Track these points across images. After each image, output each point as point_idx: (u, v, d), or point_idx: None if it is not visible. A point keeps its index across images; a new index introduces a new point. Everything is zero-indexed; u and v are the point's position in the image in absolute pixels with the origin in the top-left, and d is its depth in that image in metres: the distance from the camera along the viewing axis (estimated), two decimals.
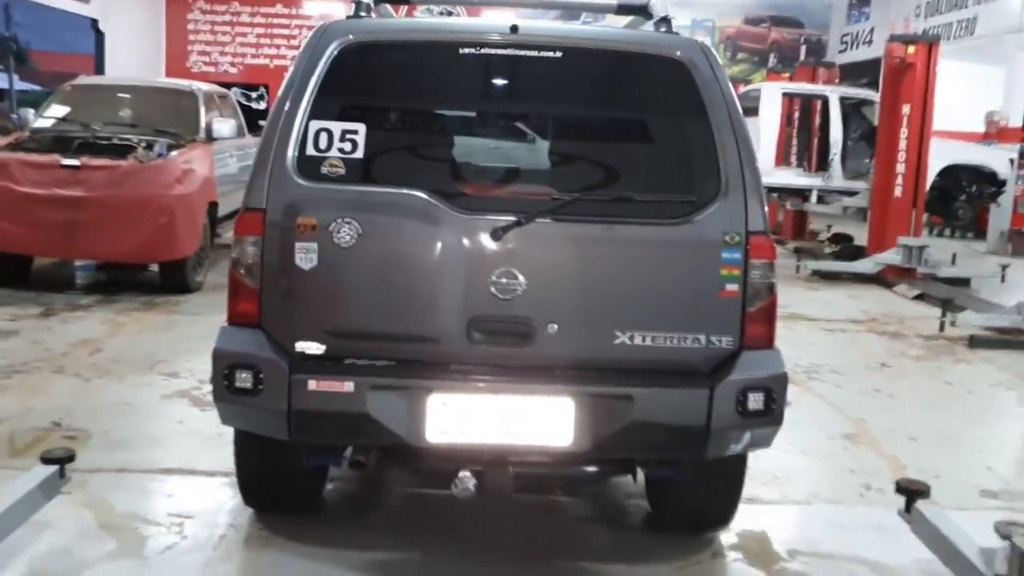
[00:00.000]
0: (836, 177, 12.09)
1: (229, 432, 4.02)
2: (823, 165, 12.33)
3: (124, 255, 7.62)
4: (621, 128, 3.19)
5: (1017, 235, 13.62)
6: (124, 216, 7.22)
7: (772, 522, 3.79)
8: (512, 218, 2.84)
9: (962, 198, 13.47)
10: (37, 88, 22.54)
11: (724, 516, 3.49)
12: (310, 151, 2.88)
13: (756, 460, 3.84)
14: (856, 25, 20.74)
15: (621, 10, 3.57)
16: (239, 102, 10.97)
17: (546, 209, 2.88)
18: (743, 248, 2.89)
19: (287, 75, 2.99)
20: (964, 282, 10.24)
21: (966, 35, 16.50)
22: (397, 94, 3.16)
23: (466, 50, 3.02)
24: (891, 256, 10.18)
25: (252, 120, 10.86)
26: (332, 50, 2.93)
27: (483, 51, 3.02)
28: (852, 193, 12.20)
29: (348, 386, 2.79)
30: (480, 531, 3.60)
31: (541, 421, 2.86)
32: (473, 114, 3.29)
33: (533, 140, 3.14)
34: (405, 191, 2.87)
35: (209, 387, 5.11)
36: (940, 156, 11.89)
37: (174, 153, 7.68)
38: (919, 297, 9.42)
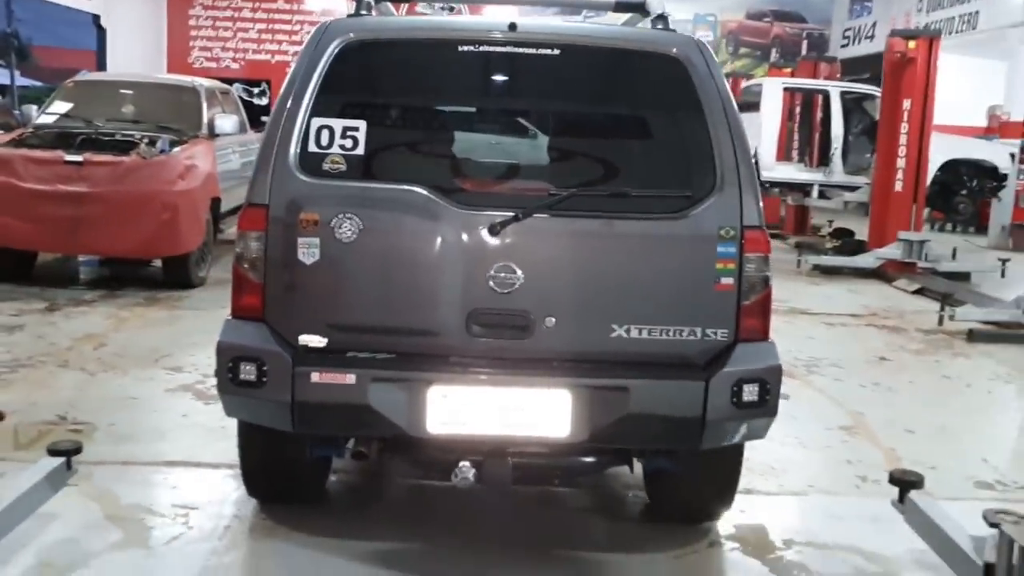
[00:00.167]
0: (837, 172, 12.13)
1: (232, 425, 4.08)
2: (824, 160, 12.36)
3: (127, 251, 7.68)
4: (618, 124, 3.24)
5: (1018, 230, 13.62)
6: (127, 212, 7.27)
7: (769, 512, 3.85)
8: (510, 213, 2.88)
9: (963, 193, 13.49)
10: (38, 84, 22.56)
11: (721, 506, 3.54)
12: (312, 148, 2.93)
13: (754, 452, 3.90)
14: (858, 20, 20.74)
15: (619, 7, 3.61)
16: (241, 98, 11.02)
17: (543, 204, 2.93)
18: (738, 242, 2.94)
19: (289, 73, 3.04)
20: (964, 276, 10.25)
21: (968, 29, 16.51)
22: (397, 91, 3.21)
23: (465, 48, 3.06)
24: (891, 251, 10.21)
25: (254, 116, 10.91)
26: (333, 48, 2.98)
27: (482, 49, 3.06)
28: (853, 188, 12.22)
29: (350, 378, 2.84)
30: (480, 522, 3.66)
31: (539, 413, 2.91)
32: (472, 111, 3.34)
33: (534, 136, 3.19)
34: (405, 187, 2.92)
35: (212, 381, 5.18)
36: (941, 151, 11.91)
37: (177, 149, 7.73)
38: (919, 291, 9.45)
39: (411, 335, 2.94)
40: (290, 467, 3.45)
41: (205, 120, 8.44)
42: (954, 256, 10.69)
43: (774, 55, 21.44)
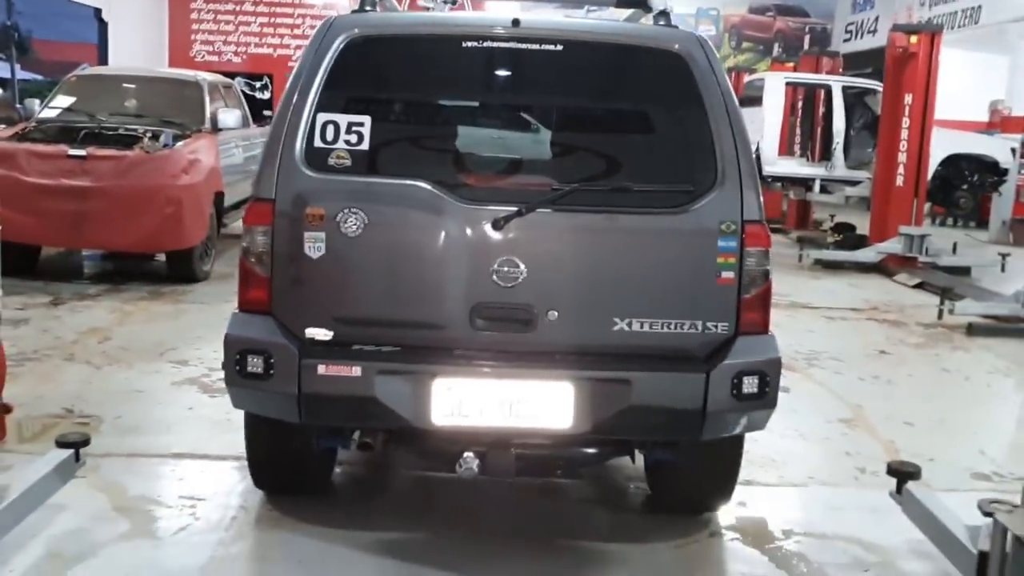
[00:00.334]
0: (839, 166, 12.15)
1: (238, 417, 4.12)
2: (826, 155, 12.38)
3: (131, 245, 7.71)
4: (620, 119, 3.27)
5: (1018, 224, 13.66)
6: (131, 206, 7.30)
7: (769, 504, 3.89)
8: (513, 208, 2.92)
9: (964, 187, 13.51)
10: (39, 77, 22.57)
11: (721, 497, 3.58)
12: (318, 143, 2.96)
13: (755, 444, 3.95)
14: (861, 14, 20.72)
15: (621, 3, 3.64)
16: (242, 92, 11.04)
17: (546, 199, 2.97)
18: (739, 236, 2.98)
19: (295, 68, 3.07)
20: (965, 271, 10.29)
21: (970, 24, 16.49)
22: (402, 87, 3.24)
23: (469, 43, 3.10)
24: (892, 245, 10.24)
25: (256, 110, 10.94)
26: (339, 44, 3.01)
27: (485, 44, 3.09)
28: (855, 182, 12.25)
29: (356, 371, 2.88)
30: (484, 513, 3.70)
31: (542, 404, 2.95)
32: (476, 106, 3.37)
33: (537, 131, 3.22)
34: (410, 182, 2.96)
35: (217, 374, 5.25)
36: (942, 145, 11.94)
37: (180, 143, 7.75)
38: (919, 286, 9.48)
39: (416, 328, 2.98)
40: (296, 459, 3.49)
41: (208, 114, 8.47)
42: (955, 251, 10.72)
43: (776, 50, 21.43)
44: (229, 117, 8.42)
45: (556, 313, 2.95)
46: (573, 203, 2.97)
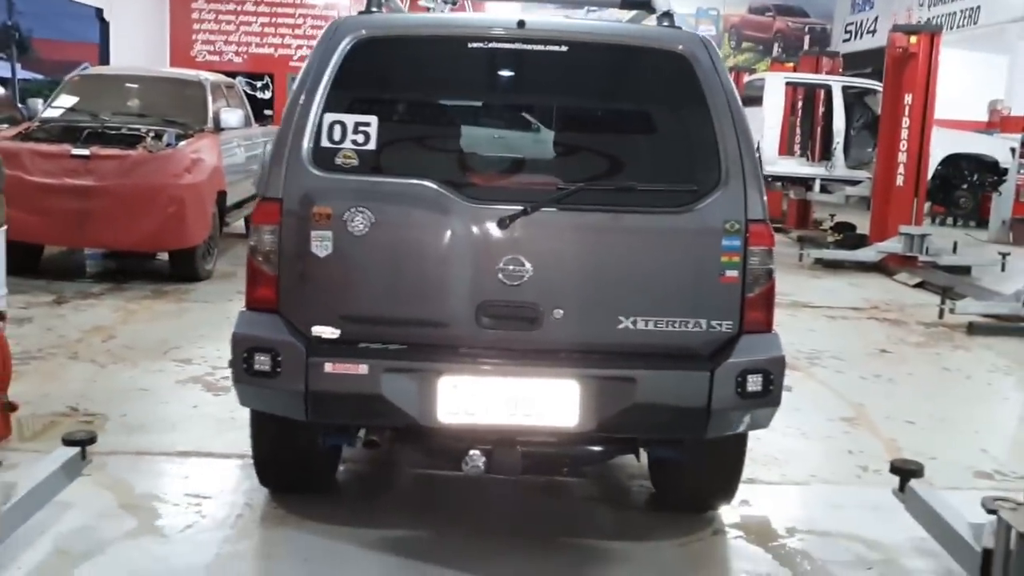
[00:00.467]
0: (839, 166, 12.17)
1: (243, 416, 4.13)
2: (826, 154, 12.40)
3: (134, 244, 7.74)
4: (624, 119, 3.29)
5: (1018, 224, 13.68)
6: (134, 205, 7.32)
7: (772, 502, 3.91)
8: (519, 207, 2.94)
9: (964, 187, 13.53)
10: (40, 77, 22.56)
11: (725, 495, 3.60)
12: (325, 143, 2.98)
13: (757, 442, 3.96)
14: (860, 14, 20.75)
15: (625, 4, 3.66)
16: (243, 91, 11.06)
17: (552, 198, 2.99)
18: (743, 236, 3.00)
19: (302, 68, 3.09)
20: (965, 270, 10.31)
21: (970, 24, 16.52)
22: (408, 87, 3.26)
23: (474, 44, 3.12)
24: (893, 244, 10.27)
25: (257, 109, 10.96)
26: (345, 45, 3.03)
27: (491, 45, 3.12)
28: (855, 182, 12.27)
29: (363, 368, 2.90)
30: (487, 510, 3.72)
31: (547, 402, 2.97)
32: (481, 106, 3.39)
33: (542, 131, 3.24)
34: (416, 181, 2.98)
35: (221, 373, 5.28)
36: (942, 145, 11.96)
37: (183, 143, 7.77)
38: (920, 285, 9.50)
39: (422, 326, 3.00)
40: (302, 457, 3.51)
41: (211, 114, 8.48)
42: (955, 250, 10.74)
43: (776, 50, 21.46)
44: (231, 117, 8.44)
45: (561, 311, 2.97)
46: (578, 202, 2.99)
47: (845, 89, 12.47)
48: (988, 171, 13.32)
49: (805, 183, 12.66)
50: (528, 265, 2.95)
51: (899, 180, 10.51)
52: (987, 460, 4.56)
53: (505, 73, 3.27)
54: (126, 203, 7.30)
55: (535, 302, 2.97)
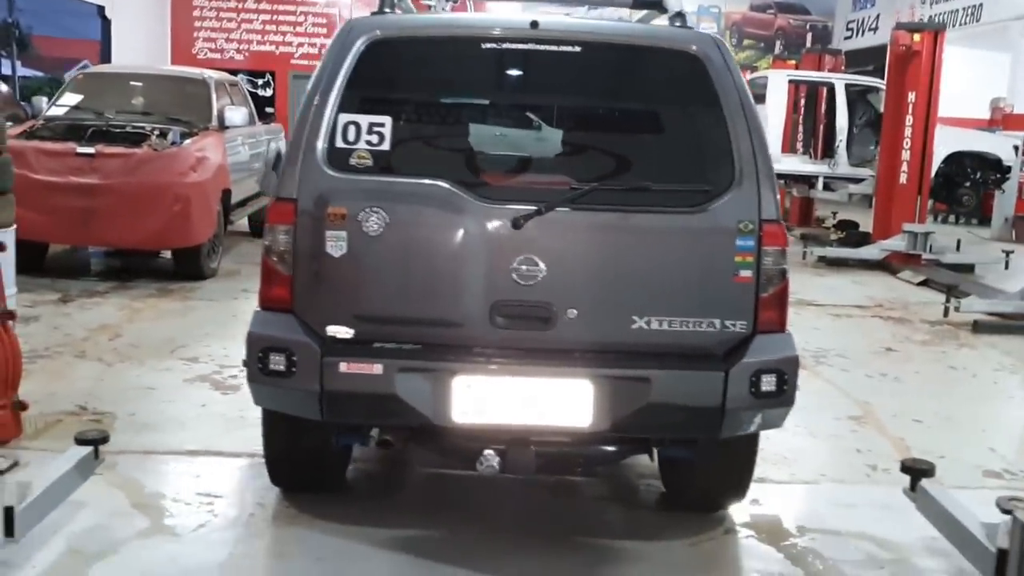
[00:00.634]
0: (842, 164, 12.18)
1: (251, 414, 4.13)
2: (828, 152, 12.41)
3: (139, 242, 7.74)
4: (638, 119, 3.29)
5: (1021, 221, 13.67)
6: (139, 204, 7.32)
7: (782, 501, 3.92)
8: (533, 207, 2.94)
9: (967, 185, 13.53)
10: (40, 74, 22.53)
11: (736, 494, 3.60)
12: (339, 143, 2.99)
13: (766, 441, 3.95)
14: (861, 12, 20.75)
15: (637, 4, 3.66)
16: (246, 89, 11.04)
17: (566, 198, 2.99)
18: (756, 236, 3.00)
19: (316, 69, 3.09)
20: (968, 268, 10.32)
21: (972, 22, 16.52)
22: (422, 88, 3.26)
23: (488, 45, 3.12)
24: (896, 242, 10.27)
25: (258, 107, 10.95)
26: (359, 45, 3.03)
27: (504, 46, 3.12)
28: (858, 180, 12.27)
29: (377, 368, 2.90)
30: (498, 510, 3.73)
31: (561, 402, 2.97)
32: (495, 106, 3.39)
33: (556, 131, 3.23)
34: (430, 181, 2.98)
35: (229, 371, 5.28)
36: (945, 143, 11.97)
37: (188, 141, 7.77)
38: (924, 283, 9.51)
39: (436, 326, 3.01)
40: (314, 456, 3.51)
41: (215, 112, 8.48)
42: (958, 248, 10.75)
43: (778, 47, 21.45)
44: (236, 115, 8.45)
45: (575, 311, 2.97)
46: (592, 202, 2.99)
47: (848, 87, 12.47)
48: (991, 169, 13.33)
49: (808, 181, 12.66)
50: (542, 265, 2.95)
51: (902, 178, 10.52)
52: (995, 459, 4.57)
53: (519, 73, 3.27)
54: (131, 201, 7.30)
55: (549, 302, 2.97)
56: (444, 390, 2.93)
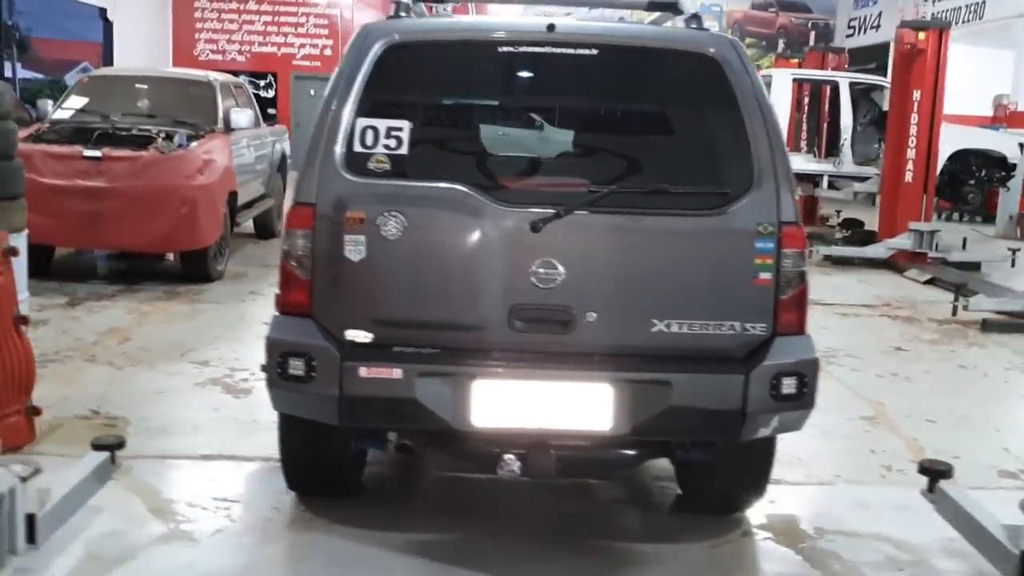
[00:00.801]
0: (847, 163, 12.17)
1: (264, 418, 4.13)
2: (832, 151, 12.40)
3: (147, 245, 7.74)
4: (656, 122, 3.28)
5: None
6: (146, 206, 7.32)
7: (797, 502, 3.92)
8: (551, 210, 2.93)
9: (971, 182, 13.53)
10: (40, 76, 22.54)
11: (754, 496, 3.60)
12: (357, 148, 2.98)
13: (780, 442, 3.90)
14: (863, 9, 20.74)
15: (651, 6, 3.65)
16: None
17: (585, 201, 2.98)
18: (776, 238, 2.99)
19: (333, 74, 3.09)
20: (975, 266, 10.30)
21: (975, 19, 16.51)
22: (439, 92, 3.26)
23: (505, 48, 3.12)
24: (902, 241, 10.25)
25: (260, 109, 10.94)
26: (377, 50, 3.03)
27: (521, 49, 3.11)
28: (863, 178, 12.27)
29: (397, 373, 2.90)
30: (514, 513, 3.71)
31: (581, 406, 2.97)
32: (512, 110, 3.38)
33: (573, 134, 3.22)
34: (448, 185, 2.97)
35: (240, 375, 5.27)
36: (950, 141, 11.96)
37: (194, 144, 7.77)
38: (930, 282, 9.50)
39: (455, 330, 3.00)
40: (331, 460, 3.51)
41: (221, 114, 8.48)
42: (964, 246, 10.74)
43: (780, 45, 21.44)
44: (241, 117, 8.45)
45: (594, 314, 2.97)
46: (611, 205, 2.99)
47: (852, 85, 12.46)
48: (996, 167, 13.31)
49: (813, 179, 12.66)
50: (561, 268, 2.95)
51: (908, 176, 10.51)
52: (1010, 459, 4.56)
53: (536, 77, 3.26)
54: (139, 204, 7.30)
55: (568, 305, 2.97)
56: (464, 394, 2.92)
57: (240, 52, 19.49)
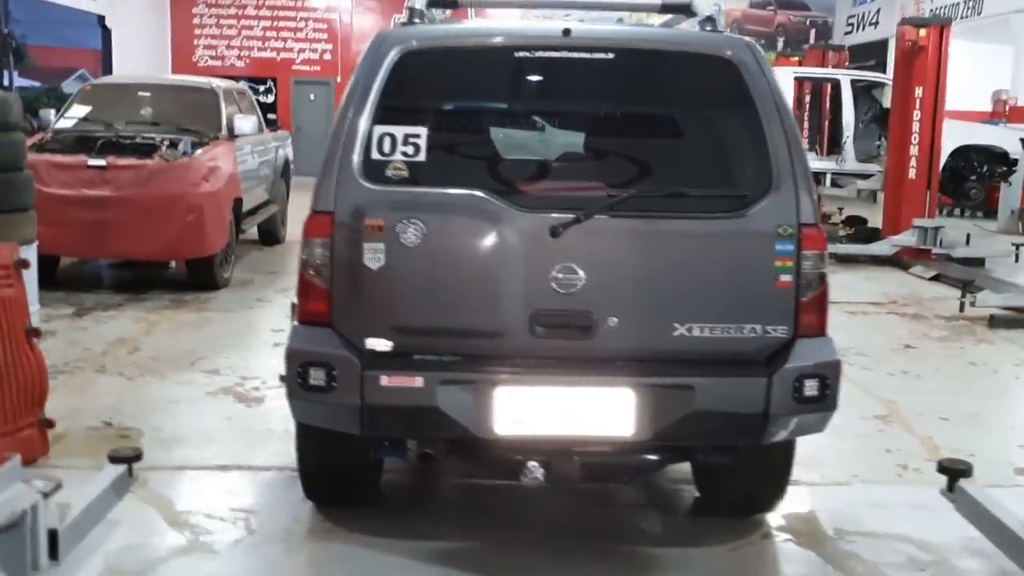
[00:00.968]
0: (850, 160, 12.17)
1: (278, 427, 4.12)
2: (835, 148, 12.39)
3: (153, 253, 7.73)
4: (673, 126, 3.27)
5: None
6: (152, 215, 7.31)
7: (816, 503, 3.90)
8: (571, 215, 2.92)
9: (973, 178, 13.52)
10: (37, 84, 22.50)
11: (776, 498, 3.59)
12: (375, 155, 2.97)
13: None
14: (862, 7, 20.74)
15: (665, 8, 3.65)
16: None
17: (604, 205, 2.97)
18: (796, 240, 2.98)
19: (349, 82, 3.07)
20: (979, 262, 10.29)
21: (974, 15, 16.52)
22: (455, 98, 3.25)
23: (521, 54, 3.11)
24: (907, 238, 10.26)
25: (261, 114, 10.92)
26: (393, 57, 3.02)
27: (537, 54, 3.11)
28: (866, 176, 12.26)
29: (418, 381, 2.89)
30: (534, 519, 3.70)
31: (603, 412, 2.96)
32: (529, 115, 3.35)
33: (591, 139, 3.20)
34: (467, 191, 2.96)
35: (251, 383, 5.26)
36: (952, 137, 11.94)
37: (199, 151, 7.76)
38: (935, 278, 9.50)
39: (476, 337, 2.99)
40: (349, 469, 3.49)
41: (224, 121, 8.47)
42: (968, 242, 10.74)
43: (780, 44, 21.45)
44: (245, 123, 8.44)
45: (616, 319, 2.96)
46: (630, 209, 2.98)
47: (853, 83, 12.46)
48: (998, 162, 13.31)
49: (816, 177, 12.64)
50: (581, 273, 2.94)
51: (911, 173, 10.51)
52: None
53: (553, 81, 3.25)
54: (144, 213, 7.29)
55: (589, 310, 2.95)
56: (486, 402, 2.91)
57: (239, 57, 19.47)
